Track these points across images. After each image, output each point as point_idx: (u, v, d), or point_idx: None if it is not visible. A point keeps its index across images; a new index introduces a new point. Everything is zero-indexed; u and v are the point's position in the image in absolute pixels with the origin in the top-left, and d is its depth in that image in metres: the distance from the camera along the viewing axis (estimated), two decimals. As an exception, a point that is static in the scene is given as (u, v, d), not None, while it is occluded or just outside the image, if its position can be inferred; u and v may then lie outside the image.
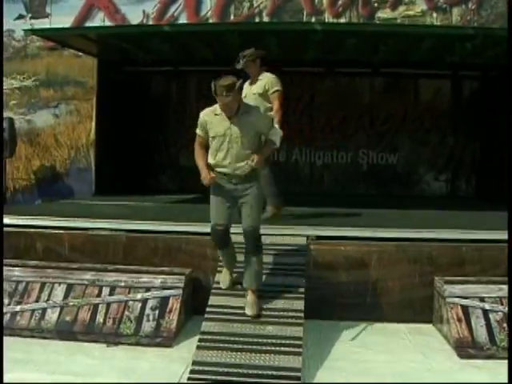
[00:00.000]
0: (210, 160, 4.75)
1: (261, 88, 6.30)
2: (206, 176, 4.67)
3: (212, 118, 4.73)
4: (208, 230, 4.97)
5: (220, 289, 5.04)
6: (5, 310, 5.40)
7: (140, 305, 5.22)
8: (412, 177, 10.87)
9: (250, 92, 6.29)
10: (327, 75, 10.74)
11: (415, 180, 10.88)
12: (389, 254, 5.69)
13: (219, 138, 4.66)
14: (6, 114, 10.21)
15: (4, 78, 10.81)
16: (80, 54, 10.13)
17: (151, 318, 5.13)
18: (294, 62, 10.00)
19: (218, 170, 4.72)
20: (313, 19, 10.03)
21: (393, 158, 10.93)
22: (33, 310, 5.33)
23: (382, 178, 10.88)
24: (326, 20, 10.04)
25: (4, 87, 10.75)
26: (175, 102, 10.97)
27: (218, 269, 5.29)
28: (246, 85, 6.34)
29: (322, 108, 10.88)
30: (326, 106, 10.86)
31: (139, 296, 5.28)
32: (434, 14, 10.05)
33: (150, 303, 5.23)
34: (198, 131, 4.82)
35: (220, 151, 4.69)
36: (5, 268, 5.71)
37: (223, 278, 5.16)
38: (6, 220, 6.41)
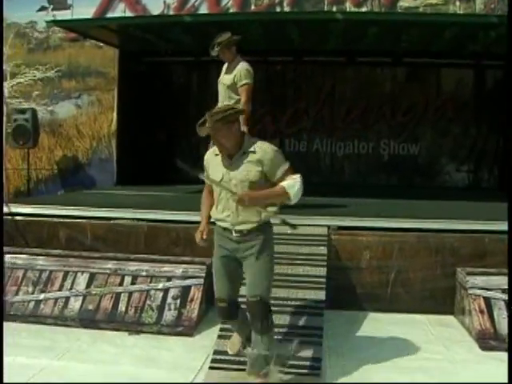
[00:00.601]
0: (211, 212, 3.86)
1: (231, 79, 5.98)
2: (197, 233, 3.90)
3: (212, 159, 3.80)
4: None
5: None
6: (29, 298, 5.49)
7: (161, 294, 5.27)
8: (433, 167, 10.79)
9: (221, 81, 6.10)
10: (348, 65, 10.69)
11: (437, 171, 10.80)
12: (410, 244, 5.66)
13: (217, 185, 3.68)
14: (28, 105, 10.32)
15: (27, 69, 10.93)
16: (101, 44, 10.18)
17: (172, 307, 5.17)
18: (315, 51, 9.96)
19: (219, 224, 3.80)
20: (334, 8, 9.95)
21: (414, 148, 10.86)
22: (56, 299, 5.41)
23: (404, 168, 10.82)
24: (348, 9, 9.95)
25: (27, 78, 10.86)
26: (196, 92, 10.99)
27: (220, 333, 4.56)
28: (223, 68, 6.24)
29: (343, 98, 10.84)
30: (347, 96, 10.83)
31: (161, 285, 5.33)
32: (457, 3, 9.90)
33: (172, 292, 5.28)
34: (204, 174, 3.81)
35: (219, 201, 3.73)
36: (29, 257, 5.81)
37: (231, 343, 4.26)
38: (30, 210, 6.51)
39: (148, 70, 9.84)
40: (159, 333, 5.03)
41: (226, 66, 6.19)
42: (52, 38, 11.14)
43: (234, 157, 3.64)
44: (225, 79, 6.08)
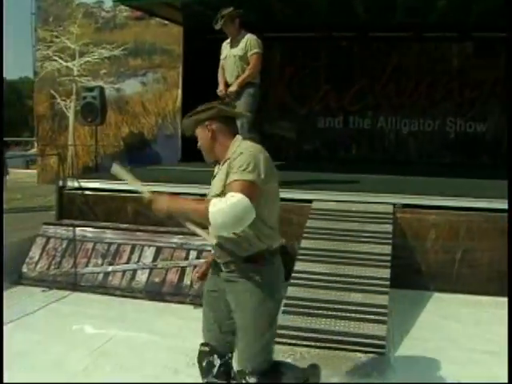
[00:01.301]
0: None
1: (241, 50, 6.05)
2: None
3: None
4: (295, 195, 4.94)
5: (306, 255, 5.05)
6: (98, 269, 5.68)
7: (226, 270, 5.34)
8: (502, 146, 10.44)
9: (231, 54, 6.13)
10: (415, 40, 10.42)
11: (505, 149, 10.45)
12: (478, 224, 5.53)
13: None
14: (96, 83, 10.56)
15: (94, 48, 11.16)
16: (166, 22, 10.27)
17: (236, 281, 5.23)
18: (381, 26, 9.76)
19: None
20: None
21: (482, 126, 10.53)
22: (124, 271, 5.57)
23: (471, 146, 10.53)
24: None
25: (94, 57, 11.10)
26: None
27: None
28: (225, 45, 6.29)
29: (409, 74, 10.59)
30: (412, 72, 10.58)
31: (226, 260, 5.40)
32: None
33: (235, 267, 5.34)
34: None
35: None
36: (98, 230, 6.00)
37: None
38: (98, 184, 6.69)
39: (212, 47, 9.83)
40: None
41: (228, 42, 6.25)
42: (118, 17, 11.32)
43: (219, 165, 2.89)
44: (235, 51, 6.11)
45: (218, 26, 6.07)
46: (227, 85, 6.21)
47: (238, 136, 2.88)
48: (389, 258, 5.00)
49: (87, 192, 6.69)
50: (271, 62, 10.94)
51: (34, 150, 19.36)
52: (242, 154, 2.68)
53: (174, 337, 4.46)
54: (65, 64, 11.40)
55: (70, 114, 11.12)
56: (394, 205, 5.75)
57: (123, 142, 10.86)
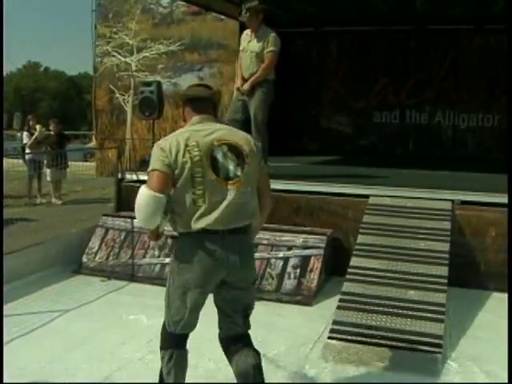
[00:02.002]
0: None
1: (259, 47, 6.14)
2: None
3: None
4: (351, 190, 4.92)
5: (362, 250, 5.01)
6: (155, 261, 5.80)
7: (282, 263, 5.37)
8: None
9: (248, 48, 6.21)
10: (475, 32, 10.15)
11: None
12: (541, 222, 5.36)
13: None
14: (153, 78, 10.72)
15: (152, 44, 11.34)
16: (222, 17, 10.32)
17: (292, 276, 5.25)
18: (440, 19, 9.55)
19: None
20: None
21: (545, 121, 10.18)
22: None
23: (533, 142, 10.19)
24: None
25: (152, 52, 11.28)
26: (316, 63, 10.93)
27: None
28: (245, 36, 6.35)
29: (469, 68, 10.33)
30: (472, 66, 10.30)
31: (281, 254, 5.43)
32: None
33: (292, 262, 5.36)
34: None
35: None
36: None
37: None
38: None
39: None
40: (278, 301, 5.13)
41: (247, 34, 6.31)
42: (175, 13, 11.47)
43: None
44: (252, 47, 6.18)
45: (243, 19, 6.26)
46: (244, 78, 6.32)
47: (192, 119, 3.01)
48: (447, 255, 4.91)
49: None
50: (328, 56, 10.90)
51: (91, 144, 19.84)
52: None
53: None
54: (123, 59, 11.64)
55: (128, 109, 11.35)
56: (453, 201, 5.64)
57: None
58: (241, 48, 6.37)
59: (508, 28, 6.48)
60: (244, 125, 6.73)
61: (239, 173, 2.89)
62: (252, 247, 3.20)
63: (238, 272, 2.92)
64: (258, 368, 2.99)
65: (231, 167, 2.88)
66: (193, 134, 2.89)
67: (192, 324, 3.04)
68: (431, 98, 10.59)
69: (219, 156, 2.87)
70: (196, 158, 2.82)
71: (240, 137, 3.02)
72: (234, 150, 2.92)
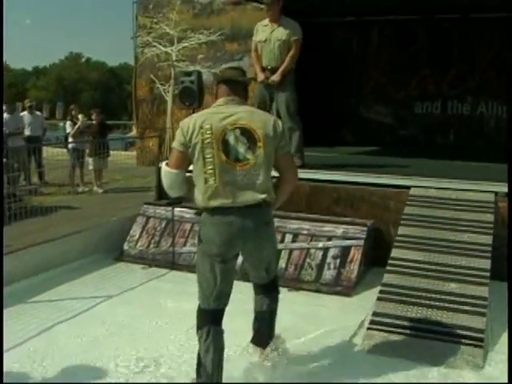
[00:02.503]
0: None
1: (285, 34, 6.20)
2: None
3: None
4: (392, 181, 4.87)
5: (403, 242, 4.96)
6: (195, 249, 5.76)
7: (321, 253, 5.36)
8: None
9: (272, 38, 6.23)
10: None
11: None
12: None
13: None
14: (194, 68, 10.77)
15: (192, 34, 11.38)
16: (262, 7, 10.25)
17: (332, 266, 5.24)
18: (485, 7, 9.33)
19: None
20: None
21: None
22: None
23: None
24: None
25: (192, 42, 11.32)
26: (356, 52, 10.82)
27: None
28: (262, 28, 6.39)
29: (512, 58, 10.08)
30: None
31: (321, 244, 5.42)
32: None
33: (332, 252, 5.35)
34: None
35: None
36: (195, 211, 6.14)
37: None
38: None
39: (310, 30, 9.84)
40: (317, 291, 5.13)
41: (265, 25, 6.36)
42: (215, 3, 11.47)
43: None
44: (278, 35, 6.22)
45: (266, 7, 6.34)
46: (263, 69, 6.36)
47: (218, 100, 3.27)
48: (489, 248, 4.82)
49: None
50: (368, 45, 10.77)
51: (132, 133, 20.05)
52: None
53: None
54: (164, 49, 11.71)
55: (169, 98, 11.43)
56: (496, 193, 5.53)
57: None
58: (260, 39, 6.37)
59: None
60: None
61: (249, 155, 3.13)
62: (268, 219, 3.33)
63: (255, 240, 3.21)
64: (268, 312, 3.57)
65: (241, 150, 3.13)
66: (209, 117, 3.15)
67: (223, 295, 3.29)
68: (473, 88, 10.38)
69: (231, 139, 3.12)
70: (207, 141, 3.09)
71: (258, 120, 3.20)
72: (247, 133, 3.14)
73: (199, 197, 3.16)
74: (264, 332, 3.62)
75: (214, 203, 3.10)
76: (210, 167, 3.09)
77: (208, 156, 3.09)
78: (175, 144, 3.21)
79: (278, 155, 3.25)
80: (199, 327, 3.29)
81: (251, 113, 3.24)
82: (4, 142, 8.95)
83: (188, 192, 3.32)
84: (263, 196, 3.15)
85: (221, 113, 3.16)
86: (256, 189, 3.14)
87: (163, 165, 3.29)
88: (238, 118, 3.14)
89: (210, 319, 3.27)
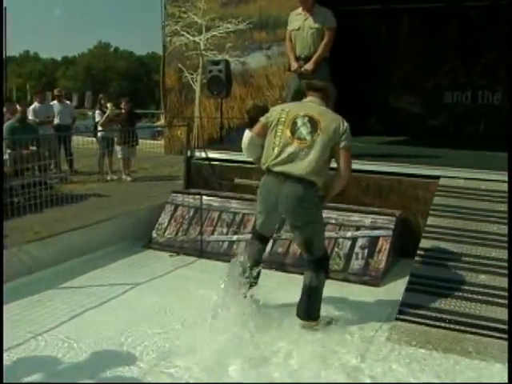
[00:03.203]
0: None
1: (319, 23, 6.17)
2: None
3: None
4: (421, 171, 4.82)
5: (433, 232, 4.92)
6: (223, 238, 5.89)
7: (349, 243, 5.35)
8: None
9: (306, 26, 6.21)
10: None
11: None
12: None
13: None
14: (222, 57, 10.76)
15: (220, 23, 11.35)
16: (292, -5, 10.22)
17: (360, 256, 5.23)
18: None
19: None
20: None
21: None
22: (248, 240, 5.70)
23: None
24: None
25: (220, 31, 11.31)
26: (385, 41, 10.71)
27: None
28: (296, 16, 6.36)
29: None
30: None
31: (349, 234, 5.41)
32: None
33: (360, 242, 5.33)
34: None
35: None
36: (223, 200, 6.19)
37: None
38: (224, 155, 6.88)
39: (338, 19, 9.79)
40: (345, 280, 5.13)
41: (299, 14, 6.32)
42: (244, -9, 11.41)
43: None
44: (312, 24, 6.19)
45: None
46: (296, 58, 6.36)
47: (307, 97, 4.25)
48: (520, 239, 4.76)
49: (213, 162, 6.88)
50: (397, 34, 10.66)
51: (159, 122, 20.15)
52: None
53: (292, 306, 4.53)
54: (192, 39, 11.70)
55: (197, 87, 11.41)
56: (527, 184, 5.44)
57: (247, 115, 11.00)
58: (294, 27, 6.34)
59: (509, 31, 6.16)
60: None
61: (308, 137, 3.92)
62: (303, 196, 3.90)
63: (286, 208, 3.98)
64: (308, 287, 4.07)
65: (304, 132, 3.94)
66: (291, 106, 4.24)
67: (265, 229, 4.29)
68: (504, 77, 10.21)
69: (299, 122, 3.97)
70: (282, 119, 4.00)
71: (325, 116, 4.01)
72: (313, 122, 3.95)
73: (263, 160, 4.05)
74: (301, 304, 4.12)
75: (268, 163, 3.98)
76: (277, 139, 3.97)
77: (279, 131, 3.99)
78: (262, 117, 4.12)
79: (337, 147, 3.98)
80: (249, 241, 4.51)
81: (324, 111, 4.06)
82: (36, 131, 9.09)
83: (257, 158, 4.21)
84: (307, 173, 3.86)
85: (301, 105, 4.16)
86: (304, 164, 3.88)
87: (247, 130, 4.28)
88: (310, 110, 4.02)
89: (257, 236, 4.33)
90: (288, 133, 3.94)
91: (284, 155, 3.92)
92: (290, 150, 3.92)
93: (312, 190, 3.90)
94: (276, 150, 3.94)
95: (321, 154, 3.89)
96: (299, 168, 3.87)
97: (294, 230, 4.13)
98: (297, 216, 4.00)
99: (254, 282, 4.14)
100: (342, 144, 4.00)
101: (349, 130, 4.07)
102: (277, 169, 3.93)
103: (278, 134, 3.97)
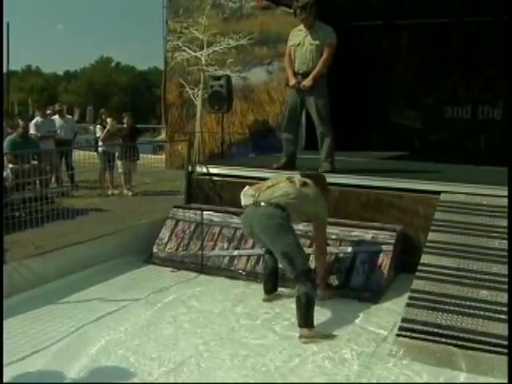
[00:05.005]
0: None
1: (319, 39, 6.24)
2: None
3: None
4: (421, 186, 4.83)
5: (434, 248, 4.91)
6: (224, 253, 5.87)
7: (350, 258, 5.33)
8: None
9: (307, 42, 6.28)
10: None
11: None
12: None
13: None
14: (223, 72, 10.84)
15: (221, 38, 11.45)
16: (292, 11, 10.28)
17: (360, 271, 5.21)
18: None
19: None
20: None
21: None
22: (249, 256, 5.72)
23: None
24: None
25: (222, 46, 11.39)
26: (385, 56, 10.76)
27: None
28: (297, 32, 6.43)
29: None
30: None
31: (349, 249, 5.39)
32: None
33: (360, 257, 5.31)
34: None
35: None
36: (225, 215, 6.17)
37: None
38: (225, 170, 6.88)
39: (340, 35, 9.84)
40: (346, 295, 5.10)
41: (300, 30, 6.40)
42: (245, 7, 11.54)
43: None
44: (312, 40, 6.27)
45: (298, 18, 6.34)
46: (295, 73, 6.41)
47: None
48: (522, 255, 4.74)
49: (214, 177, 6.89)
50: (397, 49, 10.71)
51: (160, 137, 20.20)
52: None
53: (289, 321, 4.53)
54: (193, 54, 11.81)
55: (198, 102, 11.48)
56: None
57: (248, 130, 11.04)
58: (294, 43, 6.43)
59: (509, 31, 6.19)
60: (300, 125, 6.85)
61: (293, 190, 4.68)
62: (276, 214, 4.45)
63: (260, 226, 4.47)
64: (300, 298, 4.26)
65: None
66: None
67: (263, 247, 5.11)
68: (505, 92, 10.24)
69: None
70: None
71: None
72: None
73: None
74: (297, 315, 4.31)
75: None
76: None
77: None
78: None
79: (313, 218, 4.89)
80: None
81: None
82: (37, 145, 9.11)
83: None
84: (278, 200, 4.52)
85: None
86: (278, 194, 4.59)
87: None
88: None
89: (265, 251, 5.10)
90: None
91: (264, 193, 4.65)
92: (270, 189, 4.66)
93: (282, 212, 4.45)
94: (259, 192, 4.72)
95: (295, 203, 4.56)
96: (270, 195, 4.57)
97: (272, 248, 4.57)
98: (268, 230, 4.45)
99: (273, 288, 5.04)
100: (320, 217, 4.82)
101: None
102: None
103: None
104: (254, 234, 4.63)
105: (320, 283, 4.92)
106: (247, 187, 5.08)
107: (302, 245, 4.72)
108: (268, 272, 5.05)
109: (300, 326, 4.25)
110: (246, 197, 4.92)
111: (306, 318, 4.23)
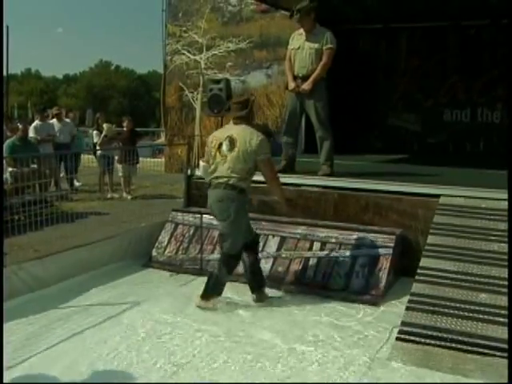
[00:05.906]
0: None
1: (318, 43, 6.26)
2: None
3: None
4: (420, 189, 4.83)
5: (433, 251, 4.92)
6: (223, 257, 5.84)
7: (350, 261, 5.33)
8: None
9: (306, 46, 6.31)
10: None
11: None
12: None
13: None
14: (222, 76, 10.83)
15: (221, 42, 11.46)
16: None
17: (360, 275, 5.21)
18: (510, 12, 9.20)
19: None
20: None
21: None
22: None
23: None
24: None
25: (221, 50, 11.40)
26: (384, 60, 10.77)
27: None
28: (297, 36, 6.46)
29: None
30: None
31: (349, 253, 5.39)
32: None
33: (360, 260, 5.32)
34: None
35: None
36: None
37: None
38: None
39: (337, 39, 9.86)
40: (345, 300, 5.10)
41: (300, 34, 6.44)
42: (244, 11, 11.55)
43: None
44: (311, 44, 6.30)
45: (296, 20, 6.37)
46: (294, 77, 6.45)
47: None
48: (521, 258, 4.74)
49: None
50: (396, 52, 10.71)
51: (159, 140, 20.19)
52: None
53: (297, 326, 4.53)
54: (193, 57, 11.82)
55: (197, 106, 11.49)
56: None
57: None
58: (294, 46, 6.47)
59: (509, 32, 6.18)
60: (299, 128, 6.85)
61: (227, 153, 4.87)
62: (230, 196, 4.84)
63: (216, 207, 4.95)
64: (211, 274, 5.04)
65: (225, 150, 4.89)
66: (217, 132, 5.21)
67: None
68: (504, 95, 10.24)
69: (224, 144, 4.91)
70: (212, 145, 5.01)
71: (242, 135, 4.88)
72: (231, 141, 4.88)
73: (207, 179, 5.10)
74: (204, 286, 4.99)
75: (208, 178, 5.05)
76: (213, 160, 4.97)
77: (212, 154, 4.98)
78: (207, 148, 5.18)
79: (258, 161, 4.88)
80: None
81: (242, 130, 4.91)
82: (36, 149, 9.12)
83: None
84: (227, 177, 4.84)
85: (224, 129, 5.17)
86: (228, 173, 4.84)
87: (201, 161, 5.51)
88: (231, 133, 4.93)
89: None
90: (218, 154, 4.94)
91: (217, 169, 4.95)
92: (219, 164, 4.92)
93: (233, 191, 4.83)
94: (213, 168, 4.97)
95: (236, 163, 4.84)
96: (225, 176, 4.85)
97: (220, 224, 5.12)
98: (219, 211, 4.95)
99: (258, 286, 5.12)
100: (260, 157, 4.86)
101: (264, 143, 4.89)
102: (211, 181, 4.98)
103: (212, 156, 4.99)
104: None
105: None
106: (202, 164, 5.50)
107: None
108: (250, 271, 5.13)
109: (201, 296, 4.89)
110: (207, 173, 5.16)
111: (208, 293, 4.90)
